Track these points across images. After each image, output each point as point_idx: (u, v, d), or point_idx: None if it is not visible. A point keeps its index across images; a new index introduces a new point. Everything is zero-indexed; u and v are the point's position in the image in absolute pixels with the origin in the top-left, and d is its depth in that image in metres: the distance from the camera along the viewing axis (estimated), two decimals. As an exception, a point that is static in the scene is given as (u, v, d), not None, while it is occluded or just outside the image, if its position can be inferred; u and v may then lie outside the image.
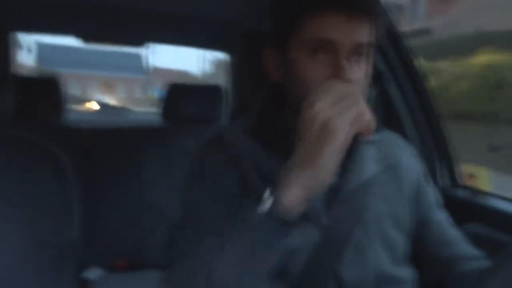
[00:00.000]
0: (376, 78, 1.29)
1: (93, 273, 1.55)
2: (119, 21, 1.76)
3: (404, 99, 1.31)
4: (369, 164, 0.82)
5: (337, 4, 0.69)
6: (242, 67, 1.04)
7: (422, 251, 0.89)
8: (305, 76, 0.72)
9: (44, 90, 1.64)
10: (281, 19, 0.75)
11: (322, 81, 0.70)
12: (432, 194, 0.92)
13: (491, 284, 0.60)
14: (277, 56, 0.77)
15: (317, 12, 0.69)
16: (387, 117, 1.32)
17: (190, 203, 0.79)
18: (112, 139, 1.73)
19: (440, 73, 8.32)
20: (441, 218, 0.90)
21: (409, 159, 0.90)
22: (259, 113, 0.83)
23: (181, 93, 1.78)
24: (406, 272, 0.84)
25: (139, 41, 2.02)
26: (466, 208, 0.96)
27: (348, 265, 0.77)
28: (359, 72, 0.73)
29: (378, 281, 0.79)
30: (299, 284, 0.75)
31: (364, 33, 0.71)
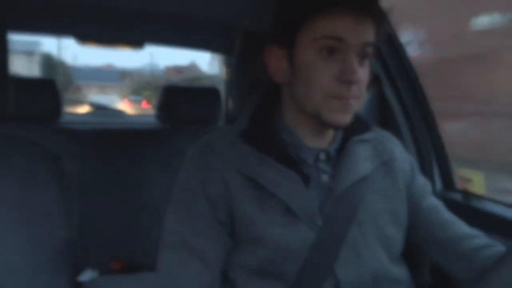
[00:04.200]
0: (373, 81, 1.29)
1: (88, 276, 1.54)
2: (118, 22, 1.76)
3: (401, 102, 1.31)
4: (363, 163, 0.83)
5: (347, 4, 0.70)
6: (240, 69, 1.04)
7: (419, 237, 0.88)
8: (313, 75, 0.72)
9: (42, 91, 1.64)
10: (290, 18, 0.75)
11: (330, 81, 0.71)
12: (423, 182, 0.92)
13: (490, 286, 0.60)
14: (282, 56, 0.77)
15: (328, 11, 0.71)
16: (383, 119, 1.32)
17: (173, 218, 0.81)
18: (109, 140, 1.72)
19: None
20: (434, 202, 0.90)
21: (401, 152, 0.91)
22: (253, 116, 0.83)
23: (177, 95, 1.78)
24: (403, 271, 0.84)
25: (138, 42, 2.01)
26: (461, 212, 0.96)
27: (344, 264, 0.77)
28: (364, 73, 0.74)
29: (375, 280, 0.79)
30: (296, 285, 0.75)
31: (371, 33, 0.73)
